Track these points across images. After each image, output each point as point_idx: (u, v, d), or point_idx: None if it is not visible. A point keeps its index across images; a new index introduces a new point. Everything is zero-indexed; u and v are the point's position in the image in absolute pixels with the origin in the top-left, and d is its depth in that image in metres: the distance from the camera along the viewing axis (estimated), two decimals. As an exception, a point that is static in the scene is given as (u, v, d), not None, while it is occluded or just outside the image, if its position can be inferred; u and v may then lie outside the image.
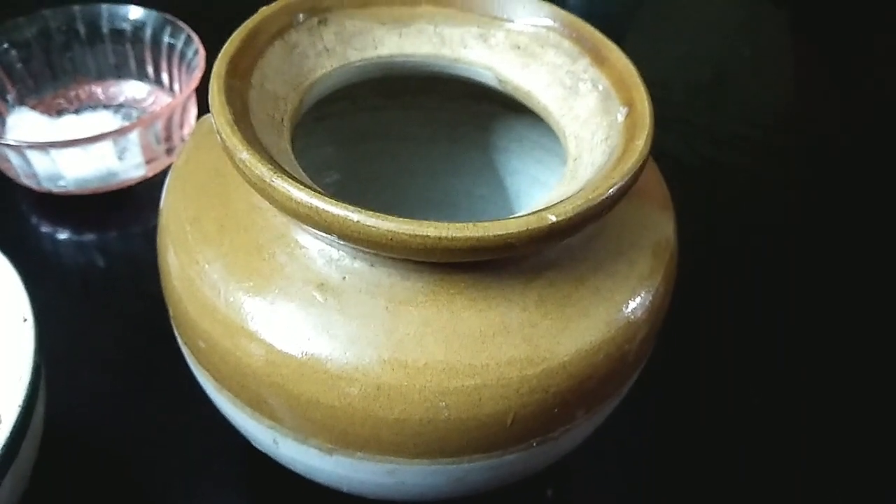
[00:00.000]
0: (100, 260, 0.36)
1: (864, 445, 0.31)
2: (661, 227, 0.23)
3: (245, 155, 0.18)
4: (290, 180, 0.17)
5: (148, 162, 0.37)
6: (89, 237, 0.37)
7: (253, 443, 0.22)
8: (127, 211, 0.38)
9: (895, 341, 0.35)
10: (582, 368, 0.19)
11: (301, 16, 0.23)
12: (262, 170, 0.18)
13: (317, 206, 0.17)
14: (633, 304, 0.20)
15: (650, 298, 0.21)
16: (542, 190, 0.30)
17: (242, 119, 0.19)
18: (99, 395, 0.30)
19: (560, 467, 0.28)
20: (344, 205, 0.17)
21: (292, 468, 0.22)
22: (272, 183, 0.17)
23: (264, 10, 0.22)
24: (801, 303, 0.36)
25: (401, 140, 0.31)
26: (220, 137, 0.19)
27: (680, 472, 0.29)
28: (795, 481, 0.29)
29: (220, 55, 0.20)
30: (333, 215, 0.17)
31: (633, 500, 0.29)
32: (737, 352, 0.33)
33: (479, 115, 0.30)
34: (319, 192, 0.17)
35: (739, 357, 0.33)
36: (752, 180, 0.43)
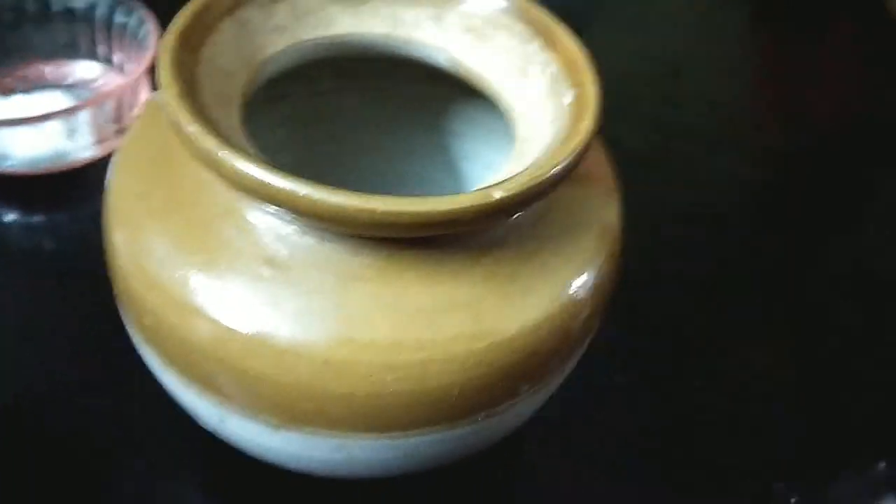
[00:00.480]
0: (49, 241, 0.36)
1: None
2: (606, 210, 0.23)
3: (192, 128, 0.18)
4: (238, 153, 0.17)
5: (98, 142, 0.36)
6: (37, 218, 0.36)
7: (199, 422, 0.22)
8: (77, 192, 0.37)
9: (827, 318, 0.36)
10: (526, 343, 0.20)
11: (252, -8, 0.22)
12: (210, 142, 0.18)
13: (264, 180, 0.17)
14: (577, 283, 0.21)
15: (594, 277, 0.21)
16: (495, 174, 0.31)
17: (191, 93, 0.19)
18: (48, 374, 0.29)
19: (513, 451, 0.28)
20: (292, 178, 0.17)
21: (240, 447, 0.22)
22: (219, 156, 0.17)
23: (215, -15, 0.22)
24: (745, 287, 0.37)
25: (354, 123, 0.31)
26: (168, 111, 0.18)
27: (624, 454, 0.30)
28: (737, 456, 0.30)
29: (168, 28, 0.20)
30: (281, 189, 0.17)
31: (579, 481, 0.29)
32: (680, 337, 0.34)
33: (435, 98, 0.30)
34: (267, 165, 0.17)
35: (682, 342, 0.34)
36: (703, 170, 0.44)
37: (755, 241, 0.40)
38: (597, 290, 0.22)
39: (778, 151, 0.47)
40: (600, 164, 0.24)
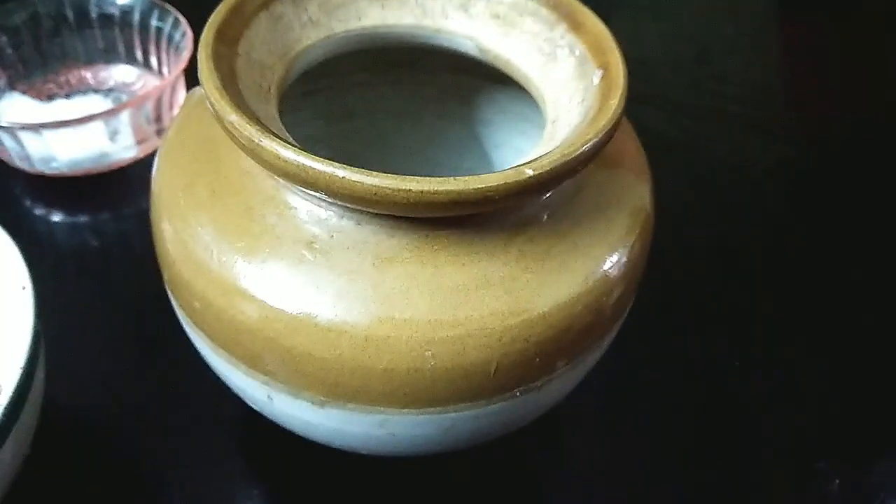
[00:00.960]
0: (93, 240, 0.37)
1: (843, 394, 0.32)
2: (638, 191, 0.24)
3: (234, 117, 0.19)
4: (279, 140, 0.18)
5: (139, 143, 0.37)
6: (82, 218, 0.38)
7: (248, 402, 0.23)
8: (119, 191, 0.38)
9: (869, 308, 0.36)
10: (561, 319, 0.20)
11: (286, -13, 0.23)
12: (251, 130, 0.18)
13: (304, 164, 0.18)
14: (609, 260, 0.21)
15: (626, 255, 0.22)
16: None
17: (230, 85, 0.20)
18: (95, 368, 0.31)
19: (546, 432, 0.29)
20: (330, 162, 0.18)
21: (286, 425, 0.23)
22: (260, 143, 0.18)
23: (250, -18, 0.23)
24: (777, 269, 0.37)
25: (386, 115, 0.32)
26: (209, 102, 0.19)
27: (660, 433, 0.30)
28: (778, 435, 0.30)
29: (207, 24, 0.21)
30: (320, 172, 0.18)
31: (620, 460, 0.30)
32: (713, 317, 0.34)
33: (463, 88, 0.31)
34: (306, 151, 0.18)
35: (715, 322, 0.34)
36: (732, 154, 0.44)
37: (786, 222, 0.40)
38: (629, 268, 0.22)
39: (808, 134, 0.47)
40: (630, 147, 0.25)
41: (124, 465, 0.28)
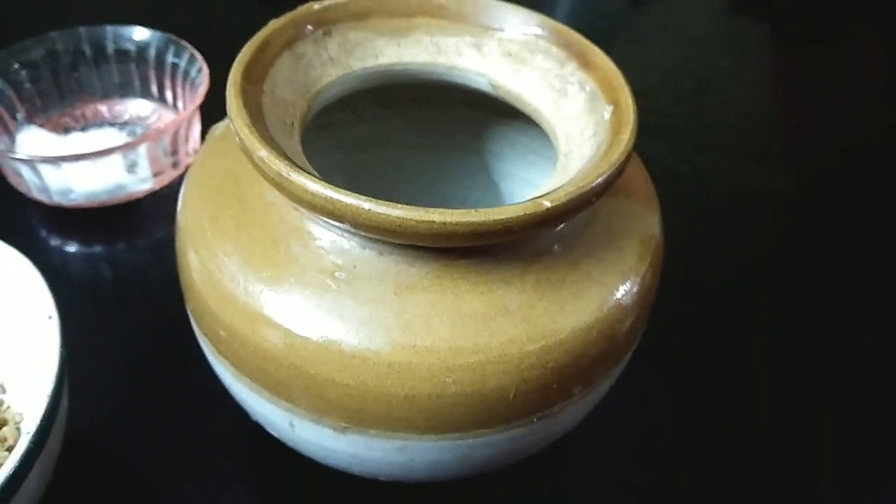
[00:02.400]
0: (108, 270, 0.38)
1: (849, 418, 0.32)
2: (647, 221, 0.24)
3: (263, 153, 0.19)
4: (306, 174, 0.19)
5: (155, 175, 0.38)
6: (98, 248, 0.38)
7: (268, 429, 0.24)
8: (134, 223, 0.39)
9: (871, 328, 0.36)
10: (577, 345, 0.21)
11: (308, 28, 0.24)
12: (280, 165, 0.19)
13: (331, 197, 0.18)
14: (623, 288, 0.22)
15: (638, 283, 0.22)
16: (534, 192, 0.32)
17: (258, 121, 0.21)
18: (111, 395, 0.31)
19: (557, 459, 0.29)
20: (356, 194, 0.18)
21: (306, 451, 0.23)
22: (289, 177, 0.19)
23: (274, 23, 0.24)
24: (781, 296, 0.38)
25: (399, 148, 0.33)
26: (239, 138, 0.20)
27: (669, 460, 0.30)
28: (786, 461, 0.30)
29: (234, 64, 0.22)
30: (347, 204, 0.18)
31: (629, 490, 0.30)
32: (724, 343, 0.35)
33: (474, 122, 0.32)
34: (333, 185, 0.19)
35: (726, 349, 0.35)
36: (735, 182, 0.45)
37: (788, 247, 0.41)
38: (641, 295, 0.23)
39: (807, 161, 0.48)
40: (639, 178, 0.26)
41: (139, 486, 0.28)
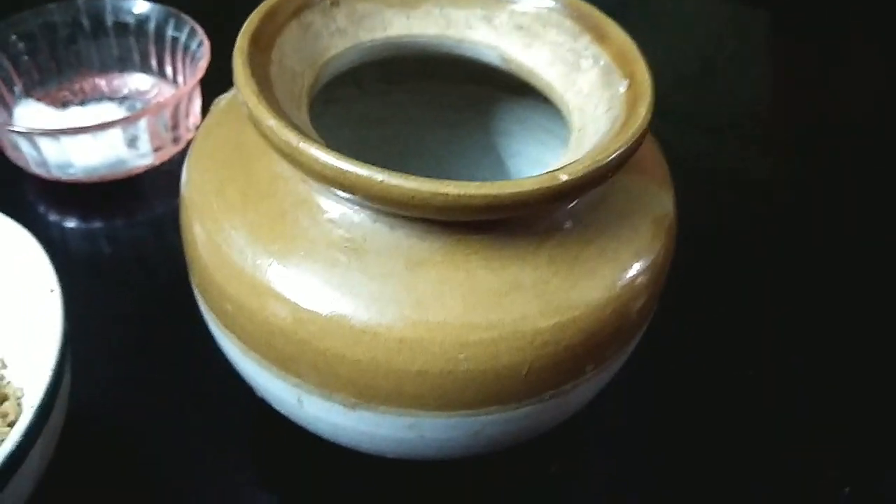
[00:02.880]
0: (108, 246, 0.37)
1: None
2: (661, 200, 0.24)
3: (272, 122, 0.19)
4: (317, 144, 0.18)
5: (155, 150, 0.37)
6: (97, 224, 0.38)
7: (275, 405, 0.23)
8: (134, 198, 0.38)
9: (880, 320, 0.36)
10: (591, 323, 0.20)
11: (316, -4, 0.24)
12: (290, 135, 0.19)
13: (343, 168, 0.18)
14: (636, 266, 0.22)
15: (651, 262, 0.22)
16: (543, 170, 0.31)
17: (265, 90, 0.20)
18: (111, 372, 0.31)
19: (568, 439, 0.29)
20: (369, 166, 0.18)
21: (314, 429, 0.23)
22: (299, 147, 0.18)
23: (281, -9, 0.23)
24: (788, 280, 0.37)
25: (405, 124, 0.33)
26: (247, 107, 0.20)
27: (678, 442, 0.30)
28: (795, 444, 0.30)
29: (241, 31, 0.21)
30: (359, 176, 0.18)
31: (639, 470, 0.30)
32: (733, 330, 0.35)
33: (482, 98, 0.31)
34: (344, 156, 0.18)
35: (734, 333, 0.34)
36: (742, 164, 0.45)
37: (791, 230, 0.40)
38: (654, 274, 0.22)
39: (809, 145, 0.47)
40: (653, 156, 0.25)
41: (141, 465, 0.28)
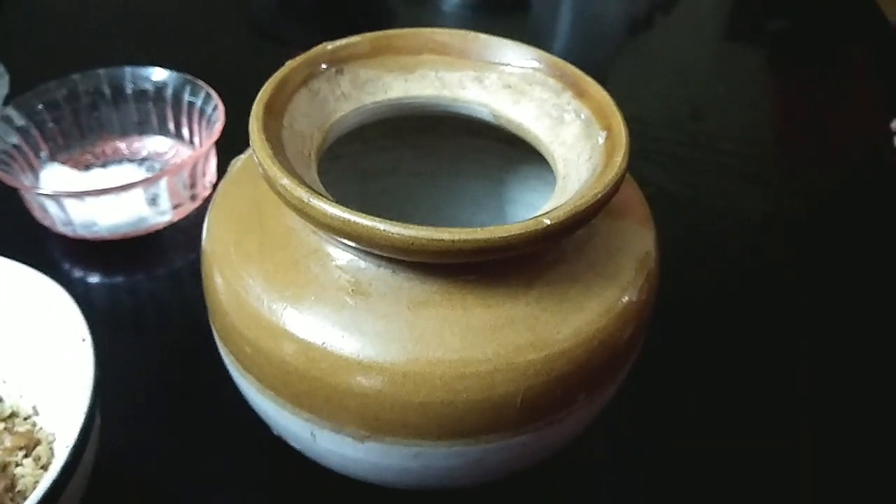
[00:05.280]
0: (130, 300, 0.39)
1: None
2: (643, 239, 0.26)
3: (286, 181, 0.21)
4: (326, 200, 0.21)
5: (174, 207, 0.40)
6: (119, 279, 0.40)
7: (291, 441, 0.25)
8: (154, 254, 0.41)
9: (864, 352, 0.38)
10: (579, 354, 0.22)
11: (322, 66, 0.26)
12: (301, 192, 0.21)
13: (349, 220, 0.20)
14: (621, 301, 0.23)
15: (635, 296, 0.24)
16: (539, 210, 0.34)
17: (279, 153, 0.22)
18: (135, 419, 0.32)
19: (567, 466, 0.30)
20: (372, 217, 0.20)
21: (327, 462, 0.25)
22: (310, 203, 0.21)
23: (291, 63, 0.26)
24: (775, 310, 0.39)
25: (407, 176, 0.35)
26: (263, 168, 0.22)
27: (670, 467, 0.32)
28: (790, 468, 0.31)
29: (256, 101, 0.24)
30: (363, 226, 0.20)
31: (639, 492, 0.31)
32: (722, 356, 0.36)
33: (478, 149, 0.34)
34: (350, 209, 0.20)
35: (725, 361, 0.36)
36: (729, 204, 0.47)
37: (782, 268, 0.42)
38: (639, 307, 0.24)
39: (801, 184, 0.49)
40: (634, 199, 0.27)
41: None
